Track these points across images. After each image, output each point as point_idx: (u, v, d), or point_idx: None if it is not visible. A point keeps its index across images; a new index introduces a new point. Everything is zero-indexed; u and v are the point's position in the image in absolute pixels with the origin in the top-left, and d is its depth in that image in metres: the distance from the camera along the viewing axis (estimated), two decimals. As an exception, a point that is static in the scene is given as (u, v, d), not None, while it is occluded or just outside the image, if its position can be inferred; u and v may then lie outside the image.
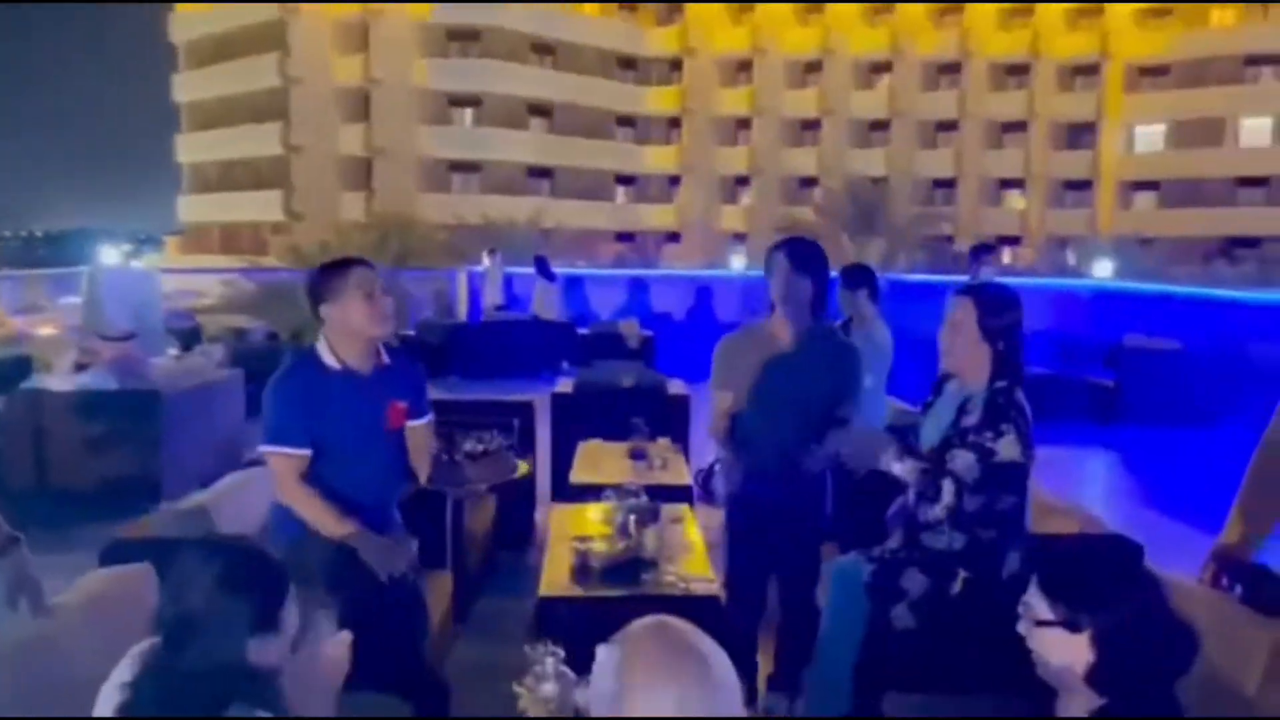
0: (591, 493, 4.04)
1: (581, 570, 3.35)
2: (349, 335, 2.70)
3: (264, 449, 2.68)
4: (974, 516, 2.50)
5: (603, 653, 1.08)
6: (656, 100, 43.15)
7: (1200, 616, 1.67)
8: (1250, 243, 32.09)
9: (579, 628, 3.04)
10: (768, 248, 3.34)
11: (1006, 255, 38.97)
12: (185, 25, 41.92)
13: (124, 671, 1.61)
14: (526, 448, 5.41)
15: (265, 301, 13.44)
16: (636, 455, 4.92)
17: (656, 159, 43.19)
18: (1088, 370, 9.60)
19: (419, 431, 2.87)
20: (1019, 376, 2.60)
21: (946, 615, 2.57)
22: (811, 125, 41.96)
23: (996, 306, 2.61)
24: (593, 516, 3.91)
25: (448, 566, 3.52)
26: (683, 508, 4.08)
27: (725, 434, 3.37)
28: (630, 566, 3.34)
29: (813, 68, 41.70)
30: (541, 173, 40.15)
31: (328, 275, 2.73)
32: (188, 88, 42.34)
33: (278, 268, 17.83)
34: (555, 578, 3.30)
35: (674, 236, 42.41)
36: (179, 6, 42.13)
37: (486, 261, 13.77)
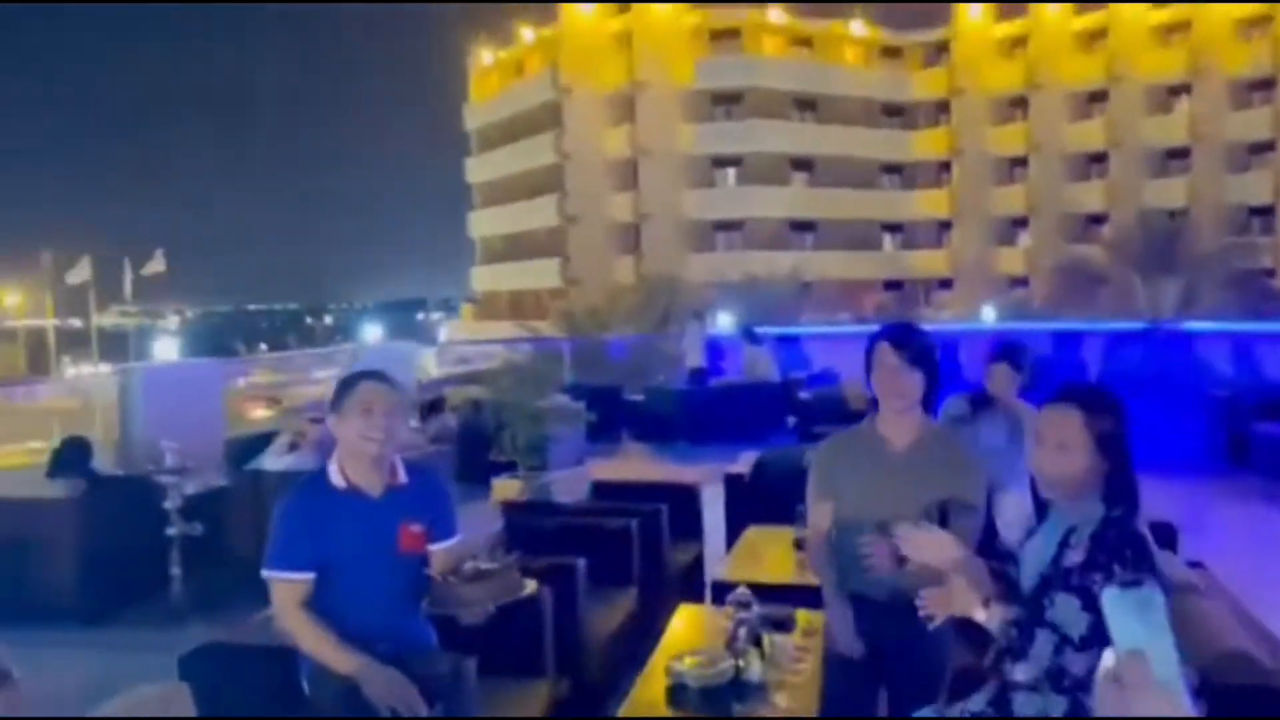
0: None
1: (677, 690, 3.07)
2: (349, 452, 2.62)
3: (264, 573, 2.62)
4: (1080, 680, 1.99)
5: None
6: (924, 144, 41.74)
7: None
8: None
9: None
10: (868, 336, 2.91)
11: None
12: (476, 114, 45.89)
13: None
14: (689, 532, 5.18)
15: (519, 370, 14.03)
16: (801, 546, 4.55)
17: (926, 204, 41.66)
18: None
19: (444, 555, 2.71)
20: (1135, 499, 2.06)
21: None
22: (1098, 158, 38.80)
23: (1106, 409, 2.10)
24: (711, 624, 3.61)
25: (547, 674, 3.33)
26: (820, 616, 3.68)
27: (822, 556, 2.97)
28: (729, 691, 3.02)
29: (1097, 97, 38.67)
30: (804, 226, 39.91)
31: (339, 388, 2.68)
32: (477, 169, 46.16)
33: (555, 336, 18.71)
34: (647, 696, 3.04)
35: (946, 283, 40.54)
36: (472, 98, 46.22)
37: (692, 326, 13.58)
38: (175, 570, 5.42)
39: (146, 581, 5.45)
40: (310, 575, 2.58)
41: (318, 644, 2.53)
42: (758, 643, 3.19)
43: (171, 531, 5.38)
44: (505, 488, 7.00)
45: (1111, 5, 37.74)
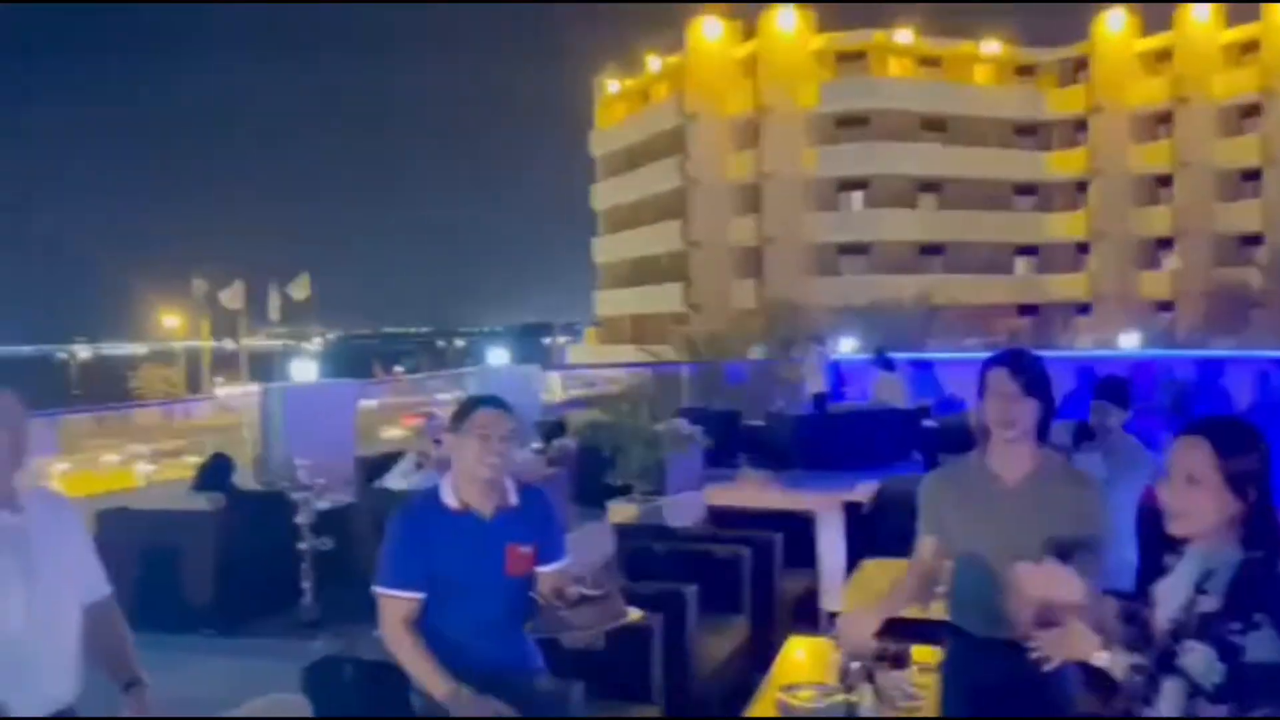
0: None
1: (786, 724, 3.01)
2: (464, 474, 2.67)
3: (374, 588, 2.67)
4: (1217, 735, 1.85)
5: None
6: (1060, 164, 40.25)
7: None
8: None
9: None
10: (981, 363, 2.82)
11: None
12: (602, 141, 46.72)
13: None
14: (803, 562, 5.09)
15: (637, 394, 14.11)
16: (920, 579, 4.41)
17: (1062, 226, 40.12)
18: None
19: (551, 578, 2.71)
20: (1277, 541, 1.91)
21: None
22: (1251, 175, 36.62)
23: (1241, 443, 1.95)
24: (824, 656, 3.53)
25: (655, 700, 3.32)
26: (939, 653, 3.55)
27: (913, 586, 2.88)
28: (838, 726, 2.94)
29: (1249, 111, 36.57)
30: (933, 249, 38.97)
31: (459, 410, 2.74)
32: (603, 196, 46.89)
33: (675, 361, 18.80)
34: (753, 730, 2.99)
35: (1084, 308, 38.86)
36: (598, 125, 47.09)
37: (813, 350, 13.26)
38: (306, 584, 5.63)
39: (279, 593, 5.68)
40: (419, 594, 2.63)
41: (416, 663, 2.58)
42: (871, 678, 3.10)
43: (303, 546, 5.60)
44: (621, 511, 7.02)
45: (1265, 16, 35.73)
